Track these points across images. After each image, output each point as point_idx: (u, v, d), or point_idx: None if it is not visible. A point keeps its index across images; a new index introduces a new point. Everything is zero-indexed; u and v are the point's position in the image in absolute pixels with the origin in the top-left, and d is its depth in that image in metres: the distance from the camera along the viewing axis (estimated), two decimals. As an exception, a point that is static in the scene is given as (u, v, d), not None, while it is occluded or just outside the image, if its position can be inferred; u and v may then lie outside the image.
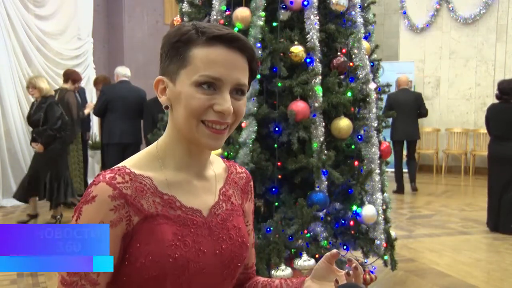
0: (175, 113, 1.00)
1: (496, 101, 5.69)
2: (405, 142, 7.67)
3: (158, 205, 0.99)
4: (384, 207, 3.49)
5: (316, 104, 3.04)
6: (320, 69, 3.09)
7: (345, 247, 3.26)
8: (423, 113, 7.68)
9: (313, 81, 3.05)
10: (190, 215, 1.02)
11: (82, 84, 7.39)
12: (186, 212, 1.01)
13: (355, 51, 3.25)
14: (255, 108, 2.99)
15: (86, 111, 6.69)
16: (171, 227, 0.98)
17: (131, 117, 6.06)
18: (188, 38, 0.97)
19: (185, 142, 1.02)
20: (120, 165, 1.01)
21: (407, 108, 7.40)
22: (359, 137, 3.25)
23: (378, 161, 3.33)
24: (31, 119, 5.59)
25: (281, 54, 3.06)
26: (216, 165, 1.14)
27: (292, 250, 3.04)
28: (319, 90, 3.05)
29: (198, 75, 0.95)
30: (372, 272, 1.38)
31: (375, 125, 3.31)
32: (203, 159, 1.07)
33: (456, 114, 9.71)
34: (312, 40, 3.07)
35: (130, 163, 1.02)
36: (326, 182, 3.07)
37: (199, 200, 1.05)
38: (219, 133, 0.98)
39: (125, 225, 0.95)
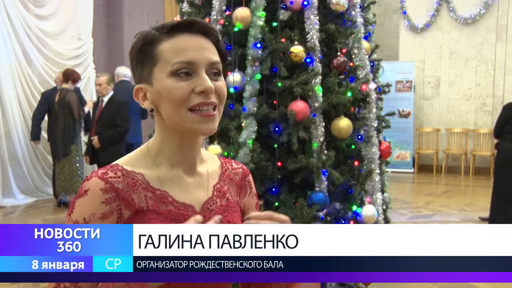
0: (162, 111, 1.01)
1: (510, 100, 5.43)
2: None
3: (150, 200, 1.00)
4: (384, 207, 3.49)
5: (316, 104, 3.04)
6: (320, 69, 3.09)
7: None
8: None
9: (313, 81, 3.06)
10: (182, 210, 1.03)
11: (82, 84, 7.37)
12: (178, 208, 1.02)
13: (355, 51, 3.25)
14: (255, 108, 2.99)
15: (86, 109, 6.68)
16: (161, 223, 0.98)
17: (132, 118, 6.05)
18: (151, 38, 1.00)
19: (176, 138, 1.03)
20: (113, 163, 1.03)
21: None
22: (359, 137, 3.25)
23: (378, 161, 3.33)
24: None
25: (281, 54, 3.06)
26: (210, 163, 1.14)
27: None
28: (319, 90, 3.05)
29: (171, 65, 0.98)
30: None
31: (375, 125, 3.32)
32: (194, 154, 1.08)
33: (456, 114, 9.71)
34: (312, 40, 3.07)
35: (122, 161, 1.04)
36: (326, 182, 3.07)
37: (191, 196, 1.05)
38: (209, 115, 0.99)
39: (115, 218, 0.97)
